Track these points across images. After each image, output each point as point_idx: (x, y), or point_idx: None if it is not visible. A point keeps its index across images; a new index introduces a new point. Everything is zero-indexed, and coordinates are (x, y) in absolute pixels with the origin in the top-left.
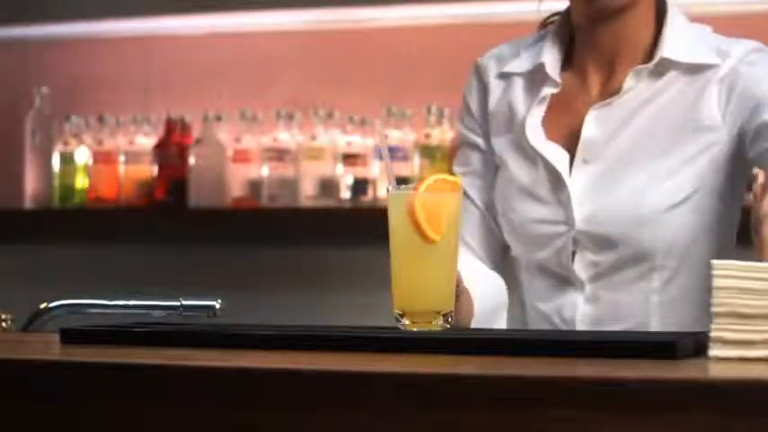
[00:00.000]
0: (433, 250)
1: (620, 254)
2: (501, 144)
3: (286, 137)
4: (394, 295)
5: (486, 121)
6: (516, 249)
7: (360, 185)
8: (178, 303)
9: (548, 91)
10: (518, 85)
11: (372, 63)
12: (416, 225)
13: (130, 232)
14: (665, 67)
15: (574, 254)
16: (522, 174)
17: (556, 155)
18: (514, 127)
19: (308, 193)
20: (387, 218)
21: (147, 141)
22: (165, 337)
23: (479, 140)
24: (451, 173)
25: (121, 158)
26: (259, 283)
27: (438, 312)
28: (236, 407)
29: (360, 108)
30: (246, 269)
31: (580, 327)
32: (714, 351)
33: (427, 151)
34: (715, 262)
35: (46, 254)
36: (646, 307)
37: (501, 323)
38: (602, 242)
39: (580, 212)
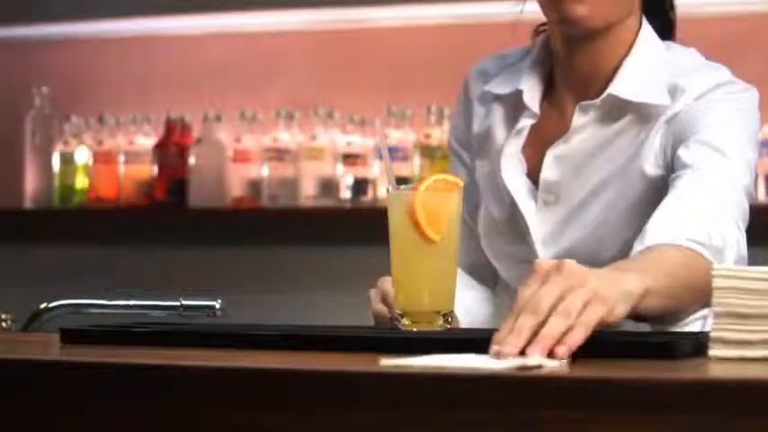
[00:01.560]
0: (433, 250)
1: None
2: (480, 170)
3: (286, 137)
4: (394, 295)
5: (469, 139)
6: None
7: (360, 185)
8: (178, 303)
9: (525, 122)
10: (497, 109)
11: (372, 63)
12: (416, 225)
13: (130, 232)
14: (614, 104)
15: None
16: (493, 207)
17: (524, 193)
18: (491, 155)
19: (308, 193)
20: (387, 218)
21: (147, 141)
22: (165, 337)
23: (464, 154)
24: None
25: (121, 158)
26: (259, 283)
27: (438, 312)
28: (236, 407)
29: (360, 108)
30: (246, 269)
31: None
32: (714, 351)
33: (427, 151)
34: (714, 264)
35: (46, 254)
36: None
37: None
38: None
39: (545, 254)
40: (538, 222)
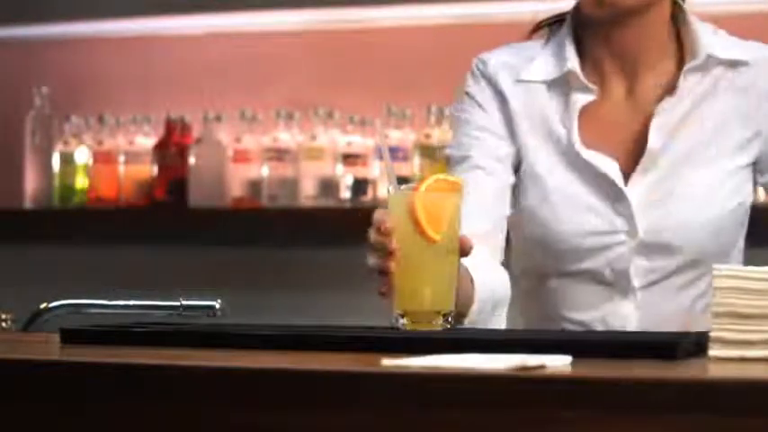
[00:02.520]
0: (433, 250)
1: (678, 260)
2: (536, 155)
3: (286, 137)
4: (395, 297)
5: (506, 126)
6: (543, 260)
7: (360, 185)
8: (178, 303)
9: (585, 98)
10: (541, 93)
11: (372, 63)
12: (417, 225)
13: (130, 232)
14: (711, 64)
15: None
16: (568, 184)
17: (607, 165)
18: (551, 137)
19: (307, 193)
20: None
21: (146, 141)
22: (164, 338)
23: (493, 139)
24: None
25: (121, 158)
26: (259, 283)
27: (438, 312)
28: (236, 407)
29: (360, 108)
30: (246, 269)
31: None
32: (714, 351)
33: (427, 151)
34: (715, 264)
35: (46, 254)
36: (690, 313)
37: (500, 321)
38: (663, 250)
39: (642, 222)
40: (632, 190)
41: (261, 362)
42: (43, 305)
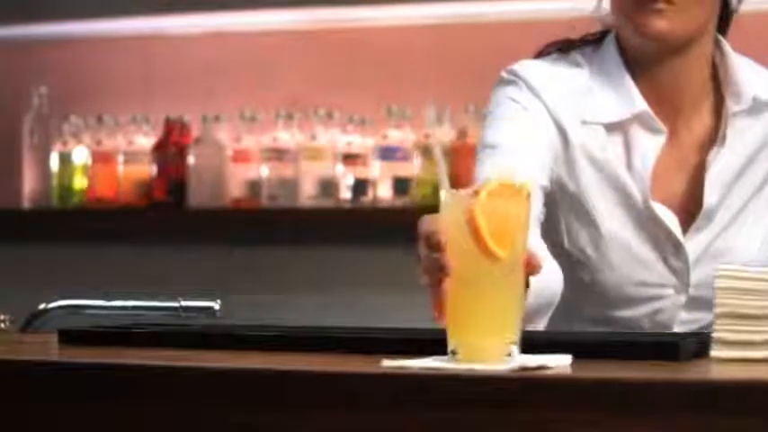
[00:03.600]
0: (497, 269)
1: None
2: (593, 196)
3: (286, 137)
4: (447, 325)
5: (563, 159)
6: (583, 300)
7: (360, 185)
8: (177, 304)
9: (657, 142)
10: (600, 131)
11: (372, 63)
12: (478, 239)
13: (129, 233)
14: (758, 107)
15: None
16: (625, 232)
17: (671, 219)
18: (611, 181)
19: (307, 193)
20: (386, 220)
21: (146, 141)
22: (164, 338)
23: (541, 146)
24: (453, 174)
25: (120, 158)
26: (259, 283)
27: (503, 346)
28: (236, 407)
29: (360, 108)
30: (246, 269)
31: None
32: (715, 352)
33: (427, 151)
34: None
35: (44, 254)
36: None
37: (542, 323)
38: (706, 304)
39: (693, 278)
40: (688, 246)
41: (260, 362)
42: (42, 306)
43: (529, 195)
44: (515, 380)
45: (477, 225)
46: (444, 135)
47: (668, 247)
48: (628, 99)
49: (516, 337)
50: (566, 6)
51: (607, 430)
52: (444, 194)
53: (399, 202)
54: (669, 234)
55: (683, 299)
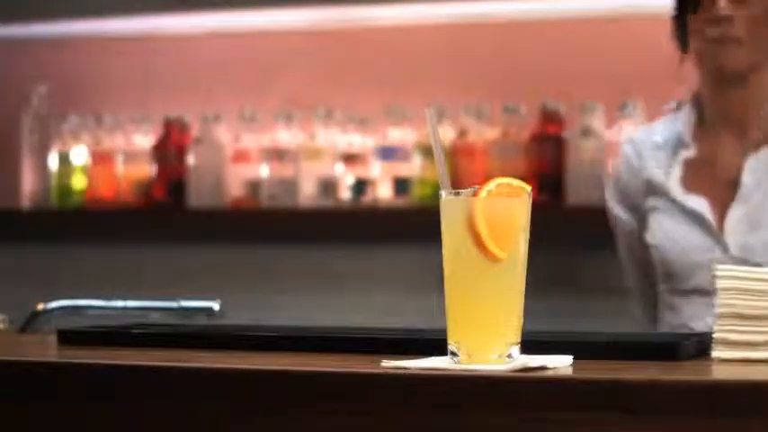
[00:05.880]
0: (497, 270)
1: None
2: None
3: (286, 137)
4: (448, 326)
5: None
6: (670, 279)
7: (360, 185)
8: (177, 305)
9: (684, 154)
10: (652, 154)
11: (372, 63)
12: (477, 239)
13: (129, 233)
14: None
15: None
16: (670, 219)
17: (698, 202)
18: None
19: (307, 193)
20: (386, 220)
21: (145, 141)
22: (163, 339)
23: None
24: (453, 174)
25: (120, 158)
26: (259, 283)
27: (503, 346)
28: (235, 407)
29: (360, 108)
30: (246, 269)
31: None
32: (717, 352)
33: (427, 151)
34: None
35: (43, 254)
36: None
37: None
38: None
39: (732, 243)
40: (728, 218)
41: (260, 362)
42: (40, 306)
43: (529, 195)
44: (515, 380)
45: (477, 225)
46: (445, 134)
47: (704, 223)
48: (675, 123)
49: (517, 337)
50: (566, 7)
51: (607, 430)
52: (444, 194)
53: (399, 202)
54: (702, 215)
55: (729, 261)
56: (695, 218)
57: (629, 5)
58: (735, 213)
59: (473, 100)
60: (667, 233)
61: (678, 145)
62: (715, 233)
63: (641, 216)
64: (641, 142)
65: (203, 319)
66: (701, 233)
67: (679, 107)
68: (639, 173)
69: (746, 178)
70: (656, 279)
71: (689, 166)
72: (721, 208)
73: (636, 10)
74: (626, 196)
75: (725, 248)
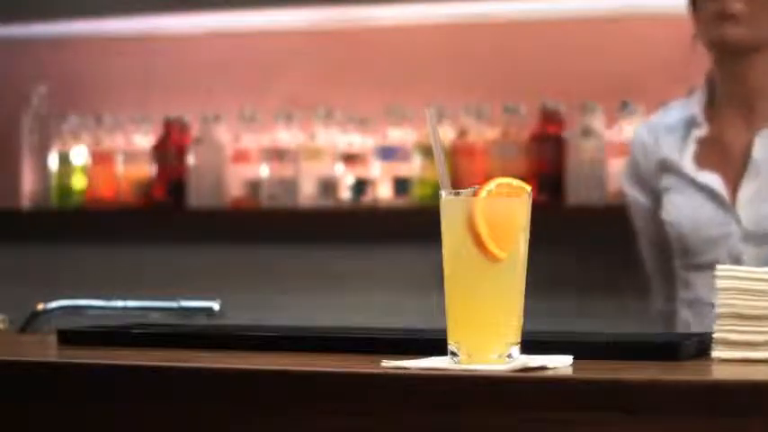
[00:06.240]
0: (496, 270)
1: None
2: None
3: (286, 137)
4: (448, 326)
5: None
6: (685, 255)
7: (360, 185)
8: (177, 305)
9: (697, 133)
10: (666, 134)
11: (372, 63)
12: (477, 239)
13: (129, 233)
14: None
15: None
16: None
17: (710, 178)
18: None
19: (307, 193)
20: (386, 220)
21: (145, 141)
22: (164, 338)
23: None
24: (453, 174)
25: (120, 158)
26: (259, 283)
27: (503, 346)
28: (235, 407)
29: (360, 108)
30: (246, 269)
31: None
32: (717, 353)
33: (427, 151)
34: (718, 265)
35: (43, 254)
36: None
37: None
38: (766, 238)
39: (744, 216)
40: (741, 192)
41: (260, 362)
42: (40, 306)
43: (529, 195)
44: (515, 380)
45: (477, 225)
46: (445, 134)
47: (716, 197)
48: (690, 105)
49: (516, 337)
50: (566, 7)
51: (607, 430)
52: (445, 194)
53: (399, 202)
54: (716, 191)
55: (741, 233)
56: (708, 193)
57: (629, 5)
58: (747, 188)
59: (473, 100)
60: (681, 209)
61: (691, 125)
62: (728, 207)
63: (656, 196)
64: (656, 124)
65: (203, 319)
66: (714, 208)
67: (692, 92)
68: (654, 154)
69: (757, 154)
70: (672, 257)
71: (701, 144)
72: (733, 183)
73: (636, 10)
74: (641, 178)
75: (737, 222)
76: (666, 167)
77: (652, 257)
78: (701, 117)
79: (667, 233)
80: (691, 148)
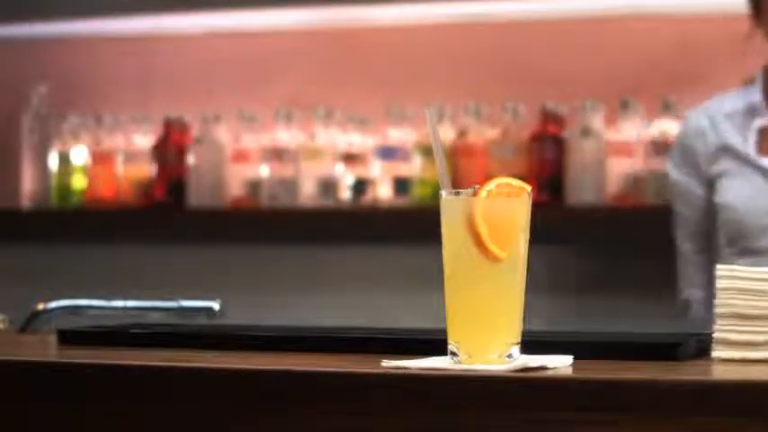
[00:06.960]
0: (497, 270)
1: None
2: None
3: (285, 137)
4: (448, 326)
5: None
6: (737, 241)
7: (360, 185)
8: (177, 304)
9: (759, 122)
10: (724, 120)
11: (372, 63)
12: (477, 239)
13: (129, 233)
14: None
15: None
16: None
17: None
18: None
19: (307, 193)
20: (386, 220)
21: (145, 141)
22: (164, 338)
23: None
24: (453, 174)
25: (120, 158)
26: (259, 283)
27: (503, 346)
28: (236, 407)
29: (360, 108)
30: (246, 269)
31: None
32: (717, 353)
33: (427, 151)
34: (718, 265)
35: (43, 254)
36: None
37: None
38: None
39: None
40: None
41: (260, 362)
42: (40, 306)
43: (529, 195)
44: (515, 380)
45: (477, 225)
46: (444, 134)
47: None
48: (749, 93)
49: (517, 337)
50: (566, 7)
51: (608, 431)
52: (445, 194)
53: (399, 202)
54: None
55: None
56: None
57: (629, 5)
58: None
59: (473, 100)
60: (739, 194)
61: (752, 112)
62: None
63: (709, 181)
64: (713, 110)
65: (203, 319)
66: None
67: (748, 81)
68: (711, 138)
69: None
70: (714, 244)
71: (762, 133)
72: None
73: (636, 10)
74: (694, 163)
75: None
76: (726, 152)
77: (692, 245)
78: (761, 106)
79: (718, 218)
80: (753, 136)
